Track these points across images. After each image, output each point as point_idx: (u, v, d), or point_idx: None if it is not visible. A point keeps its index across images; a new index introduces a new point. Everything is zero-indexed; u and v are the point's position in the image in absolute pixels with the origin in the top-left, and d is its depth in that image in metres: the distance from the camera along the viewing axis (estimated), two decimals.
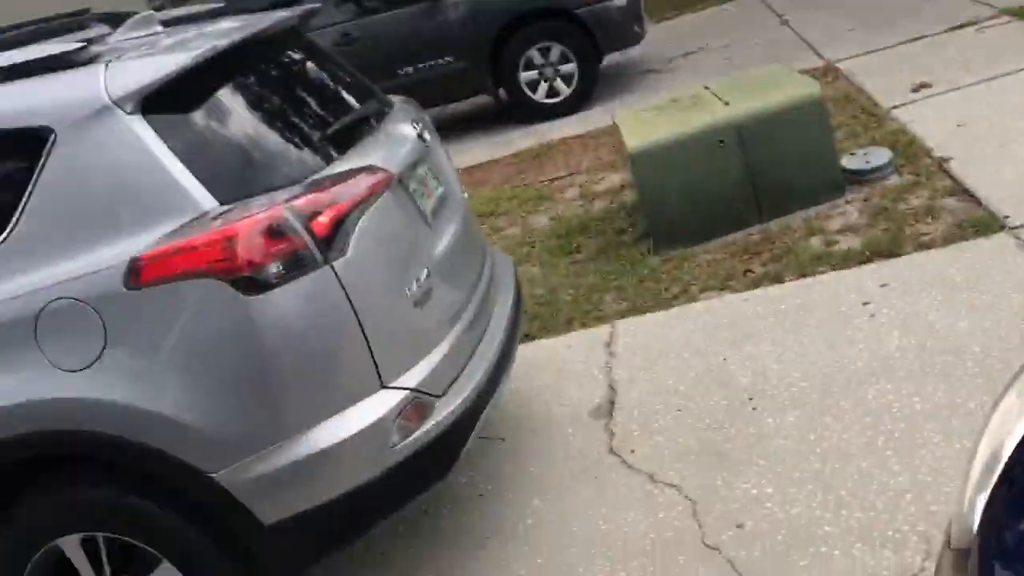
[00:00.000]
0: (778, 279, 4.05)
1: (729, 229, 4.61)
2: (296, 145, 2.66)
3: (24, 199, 2.36)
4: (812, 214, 4.54)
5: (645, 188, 4.72)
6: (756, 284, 4.06)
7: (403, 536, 3.12)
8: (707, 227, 4.61)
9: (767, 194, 4.61)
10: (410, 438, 2.46)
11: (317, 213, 2.35)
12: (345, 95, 3.11)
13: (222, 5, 3.43)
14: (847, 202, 4.56)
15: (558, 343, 4.14)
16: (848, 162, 4.80)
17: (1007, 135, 4.70)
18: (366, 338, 2.42)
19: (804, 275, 4.02)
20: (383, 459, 2.43)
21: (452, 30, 8.10)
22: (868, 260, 3.95)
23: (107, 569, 2.49)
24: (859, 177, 4.72)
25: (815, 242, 4.27)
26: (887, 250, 3.96)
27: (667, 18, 11.46)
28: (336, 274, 2.35)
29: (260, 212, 2.29)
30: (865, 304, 3.63)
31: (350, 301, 2.37)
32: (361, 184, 2.50)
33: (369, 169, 2.59)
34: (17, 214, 2.36)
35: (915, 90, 5.81)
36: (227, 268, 2.26)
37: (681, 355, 3.69)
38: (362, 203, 2.47)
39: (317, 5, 3.67)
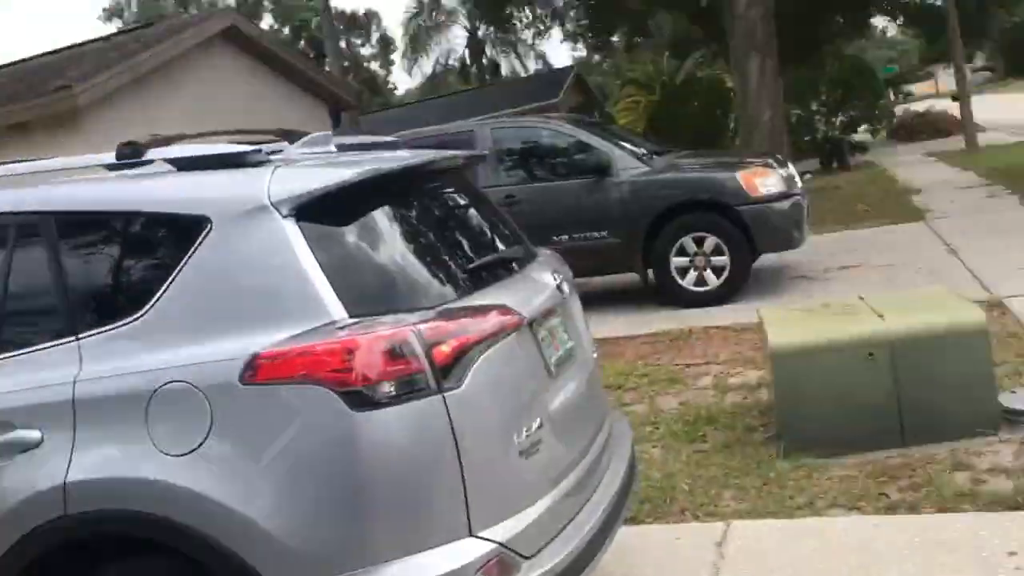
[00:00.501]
0: (914, 509, 3.72)
1: (867, 447, 4.33)
2: (435, 273, 2.67)
3: (168, 281, 2.44)
4: (960, 447, 4.21)
5: (783, 389, 4.52)
6: (890, 510, 3.75)
7: None
8: (844, 441, 4.34)
9: (913, 417, 4.32)
10: None
11: (440, 342, 2.33)
12: (493, 236, 3.14)
13: (396, 139, 3.58)
14: (1001, 441, 4.22)
15: (667, 532, 3.90)
16: (1006, 399, 4.48)
17: None
18: (463, 478, 2.32)
19: (944, 510, 3.68)
20: None
21: (612, 208, 8.27)
22: (1019, 507, 3.59)
23: None
24: (1017, 417, 4.38)
25: (960, 477, 3.93)
26: None
27: (830, 231, 11.37)
28: (446, 405, 2.29)
29: (385, 330, 2.28)
30: (1011, 554, 3.26)
31: (455, 436, 2.29)
32: (490, 321, 2.47)
33: (501, 308, 2.56)
34: (159, 294, 2.44)
35: None
36: (341, 379, 2.23)
37: (798, 570, 3.39)
38: (487, 340, 2.43)
39: (485, 152, 3.79)
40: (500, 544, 2.36)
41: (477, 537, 2.34)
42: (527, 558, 2.42)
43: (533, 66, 43.44)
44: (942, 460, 4.12)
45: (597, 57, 38.13)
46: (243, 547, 2.25)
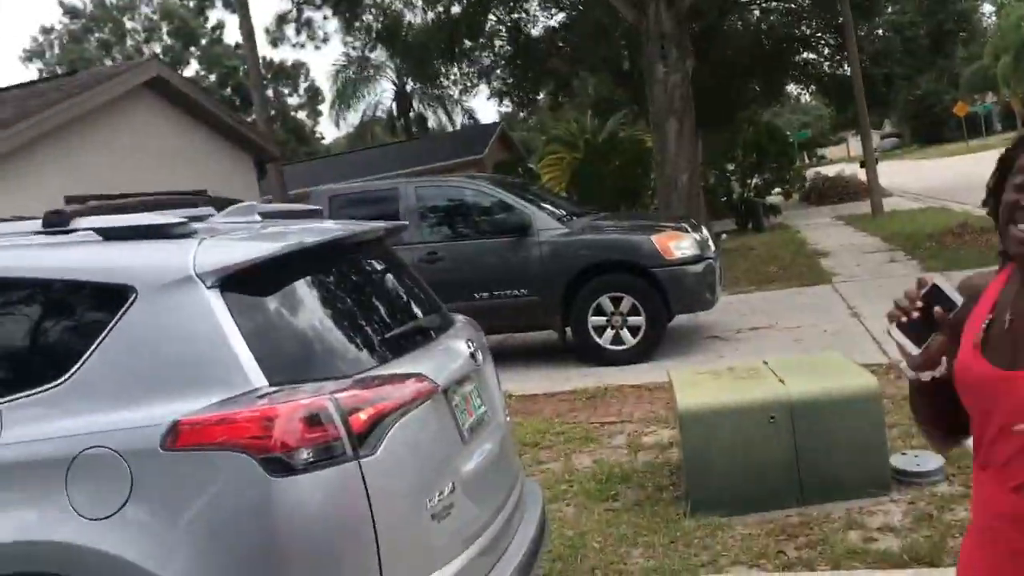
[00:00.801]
0: (810, 566, 3.92)
1: (768, 506, 4.53)
2: (354, 342, 2.79)
3: (92, 349, 2.51)
4: (855, 507, 4.44)
5: (690, 449, 4.71)
6: (787, 568, 3.94)
7: None
8: (747, 500, 4.55)
9: (811, 478, 4.55)
10: None
11: (357, 409, 2.44)
12: (412, 305, 3.27)
13: (319, 208, 3.71)
14: (892, 501, 4.47)
15: None
16: (898, 461, 4.74)
17: None
18: (377, 543, 2.42)
19: (837, 567, 3.89)
20: None
21: (532, 267, 8.49)
22: (905, 565, 3.82)
23: None
24: (907, 478, 4.64)
25: (853, 536, 4.16)
26: (927, 558, 3.83)
27: (744, 291, 11.79)
28: (362, 471, 2.40)
29: (304, 398, 2.39)
30: None
31: (369, 501, 2.40)
32: (406, 389, 2.60)
33: (417, 376, 2.69)
34: (82, 361, 2.50)
35: None
36: (261, 446, 2.33)
37: None
38: (403, 407, 2.55)
39: (406, 223, 3.93)
40: None
41: None
42: None
43: (460, 120, 43.96)
44: (837, 519, 4.34)
45: (523, 114, 38.81)
46: None
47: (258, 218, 3.20)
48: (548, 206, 9.25)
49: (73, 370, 2.50)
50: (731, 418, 4.57)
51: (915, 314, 1.70)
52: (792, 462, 4.57)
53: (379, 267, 3.30)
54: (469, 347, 3.17)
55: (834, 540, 4.12)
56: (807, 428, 4.55)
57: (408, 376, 2.68)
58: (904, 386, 6.37)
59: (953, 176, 31.89)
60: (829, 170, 34.49)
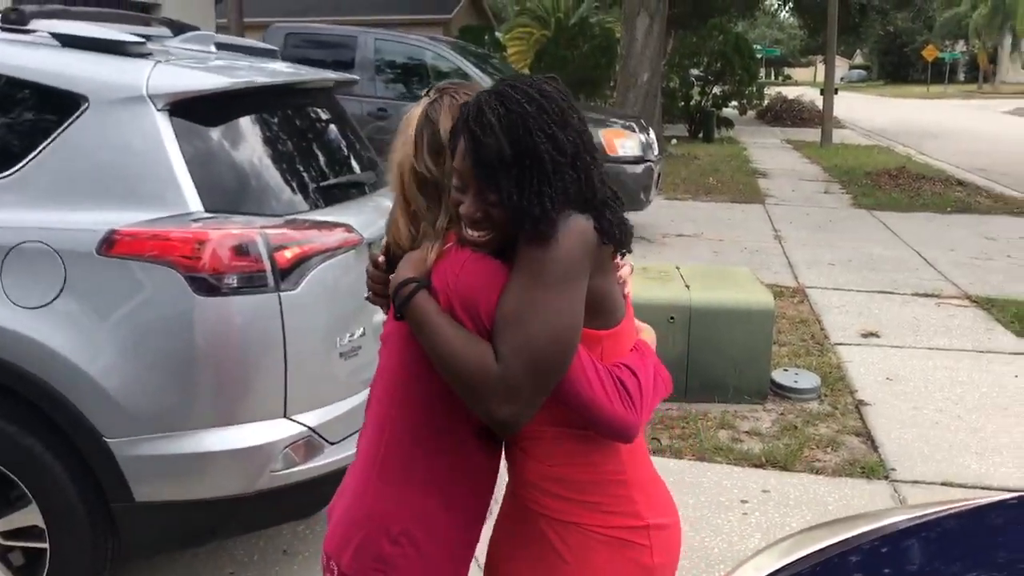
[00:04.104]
0: (678, 455, 4.31)
1: None
2: (290, 185, 2.95)
3: (40, 149, 2.64)
4: (731, 410, 4.84)
5: None
6: (656, 452, 4.31)
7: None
8: None
9: (698, 379, 4.92)
10: (292, 469, 2.68)
11: (284, 247, 2.63)
12: (351, 159, 3.43)
13: (275, 48, 3.78)
14: (765, 410, 4.88)
15: None
16: (778, 376, 5.14)
17: (923, 401, 5.07)
18: (286, 369, 2.66)
19: (702, 459, 4.28)
20: (260, 480, 2.63)
21: None
22: (761, 465, 4.23)
23: None
24: (783, 392, 5.05)
25: (723, 434, 4.56)
26: (781, 462, 4.24)
27: (678, 198, 12.09)
28: (281, 303, 2.61)
29: (235, 228, 2.57)
30: (743, 502, 3.89)
31: (284, 330, 2.62)
32: (332, 236, 2.79)
33: (345, 227, 2.88)
34: (28, 159, 2.63)
35: (864, 335, 6.21)
36: (190, 265, 2.52)
37: None
38: (327, 252, 2.75)
39: (356, 78, 4.03)
40: (309, 428, 2.73)
41: (290, 419, 2.69)
42: (332, 443, 2.80)
43: None
44: (712, 419, 4.73)
45: None
46: (80, 399, 2.52)
47: (214, 49, 3.29)
48: None
49: (18, 166, 2.63)
50: (635, 313, 4.86)
51: None
52: (683, 362, 4.92)
53: (324, 117, 3.43)
54: None
55: (705, 436, 4.51)
56: (702, 333, 4.89)
57: (337, 225, 2.87)
58: (805, 310, 6.80)
59: (906, 118, 32.41)
60: (791, 92, 34.64)
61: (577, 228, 1.48)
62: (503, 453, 1.70)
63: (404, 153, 1.62)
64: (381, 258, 1.67)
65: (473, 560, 1.73)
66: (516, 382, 1.45)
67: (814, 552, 1.87)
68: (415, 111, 1.64)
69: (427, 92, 1.67)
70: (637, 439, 1.65)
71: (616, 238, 1.55)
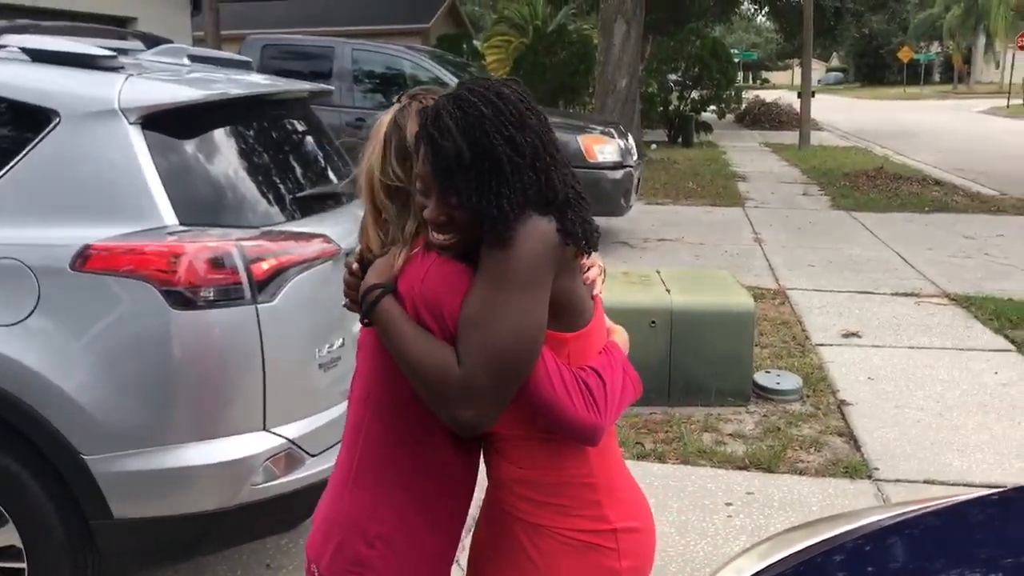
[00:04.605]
0: (661, 458, 4.32)
1: (639, 403, 4.87)
2: (266, 196, 2.93)
3: (11, 164, 2.61)
4: (714, 413, 4.85)
5: None
6: (640, 457, 4.32)
7: None
8: None
9: (680, 382, 4.93)
10: (272, 483, 2.66)
11: (260, 259, 2.62)
12: (327, 169, 3.41)
13: (248, 60, 3.77)
14: (748, 412, 4.89)
15: None
16: (760, 378, 5.16)
17: (905, 399, 5.09)
18: (264, 382, 2.64)
19: (686, 462, 4.29)
20: (241, 493, 2.61)
21: None
22: (745, 467, 4.24)
23: None
24: (766, 394, 5.06)
25: (707, 437, 4.56)
26: (765, 464, 4.25)
27: (658, 202, 12.13)
28: (258, 315, 2.59)
29: (211, 241, 2.55)
30: (727, 504, 3.89)
31: (262, 344, 2.60)
32: (309, 247, 2.78)
33: (322, 237, 2.87)
34: (1, 174, 2.61)
35: (845, 336, 6.24)
36: (165, 279, 2.50)
37: None
38: (304, 263, 2.74)
39: (331, 88, 4.02)
40: (289, 440, 2.71)
41: (270, 432, 2.68)
42: (313, 456, 2.78)
43: None
44: (696, 422, 4.74)
45: None
46: (55, 416, 2.50)
47: (187, 61, 3.27)
48: None
49: None
50: (615, 318, 4.78)
51: None
52: (666, 365, 4.92)
53: (300, 128, 3.42)
54: None
55: (689, 439, 4.51)
56: (683, 336, 4.90)
57: (314, 236, 2.86)
58: (787, 312, 6.82)
59: (883, 119, 32.66)
60: (769, 95, 34.86)
61: (538, 229, 1.47)
62: (481, 455, 1.69)
63: (373, 160, 1.63)
64: (356, 265, 1.67)
65: (455, 563, 1.73)
66: (478, 385, 1.45)
67: (796, 552, 1.88)
68: (384, 118, 1.64)
69: (398, 98, 1.67)
70: (609, 443, 1.65)
71: (579, 238, 1.53)
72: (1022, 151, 20.18)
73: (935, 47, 67.64)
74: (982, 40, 59.03)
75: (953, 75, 66.82)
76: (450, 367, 1.46)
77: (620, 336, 1.78)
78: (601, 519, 1.62)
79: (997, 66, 59.65)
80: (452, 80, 9.01)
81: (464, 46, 23.20)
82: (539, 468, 1.60)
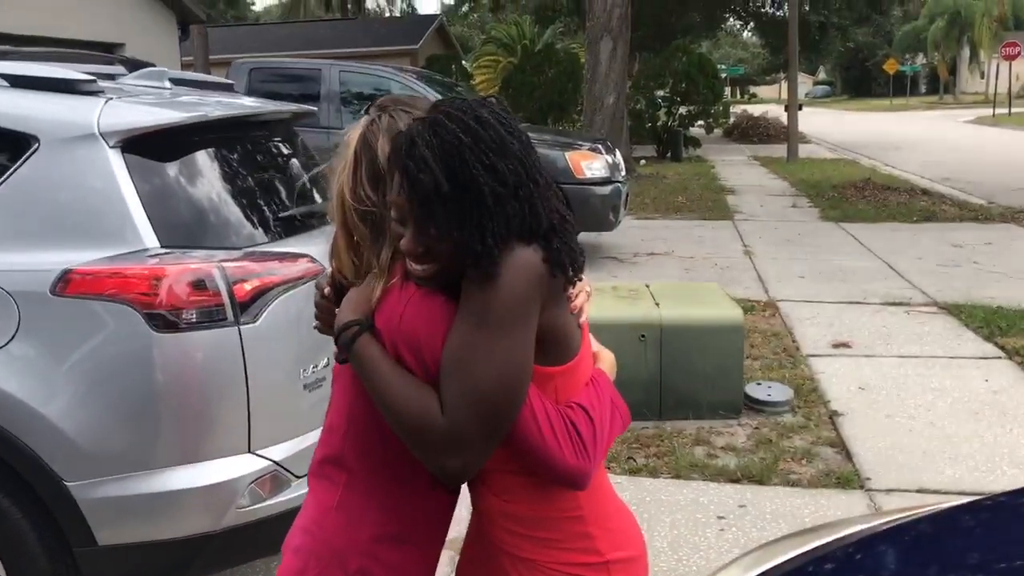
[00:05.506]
0: (654, 473, 4.29)
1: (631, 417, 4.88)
2: (249, 218, 2.93)
3: None
4: (706, 426, 4.83)
5: None
6: (633, 472, 4.30)
7: None
8: None
9: (671, 396, 4.92)
10: (258, 505, 2.63)
11: (243, 280, 2.61)
12: (311, 190, 3.41)
13: (231, 82, 3.77)
14: (739, 424, 4.87)
15: None
16: (751, 390, 5.15)
17: (897, 409, 5.09)
18: (249, 403, 2.62)
19: (678, 477, 4.27)
20: (227, 517, 2.59)
21: None
22: (737, 480, 4.22)
23: None
24: (757, 406, 5.05)
25: (699, 451, 4.54)
26: (757, 477, 4.23)
27: (648, 217, 12.15)
28: (241, 337, 2.58)
29: (193, 263, 2.54)
30: (720, 518, 3.87)
31: (245, 365, 2.59)
32: (292, 268, 2.77)
33: (306, 257, 2.85)
34: None
35: (835, 346, 6.24)
36: (147, 302, 2.48)
37: None
38: (287, 284, 2.72)
39: (314, 109, 4.03)
40: (275, 462, 2.69)
41: (255, 454, 2.65)
42: (298, 477, 2.76)
43: (400, 6, 42.93)
44: (688, 435, 4.72)
45: (464, 8, 38.09)
46: (37, 442, 2.47)
47: (168, 84, 3.27)
48: None
49: None
50: (604, 333, 4.76)
51: None
52: (656, 379, 4.91)
53: (284, 149, 3.41)
54: None
55: (681, 453, 4.50)
56: (673, 350, 4.89)
57: (297, 256, 2.85)
58: (777, 324, 6.82)
59: (870, 131, 32.83)
60: (756, 109, 35.03)
61: (522, 262, 1.38)
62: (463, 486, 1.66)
63: (343, 180, 1.54)
64: (328, 289, 1.63)
65: None
66: (463, 433, 1.38)
67: (785, 561, 1.86)
68: (354, 132, 1.55)
69: (367, 109, 1.58)
70: (597, 472, 1.57)
71: (566, 267, 1.44)
72: (1008, 160, 20.30)
73: (920, 59, 68.14)
74: (967, 51, 59.55)
75: (939, 86, 67.29)
76: (433, 415, 1.39)
77: (607, 362, 1.70)
78: (592, 552, 1.55)
79: (982, 76, 60.10)
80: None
81: (453, 67, 23.33)
82: (523, 502, 1.53)
